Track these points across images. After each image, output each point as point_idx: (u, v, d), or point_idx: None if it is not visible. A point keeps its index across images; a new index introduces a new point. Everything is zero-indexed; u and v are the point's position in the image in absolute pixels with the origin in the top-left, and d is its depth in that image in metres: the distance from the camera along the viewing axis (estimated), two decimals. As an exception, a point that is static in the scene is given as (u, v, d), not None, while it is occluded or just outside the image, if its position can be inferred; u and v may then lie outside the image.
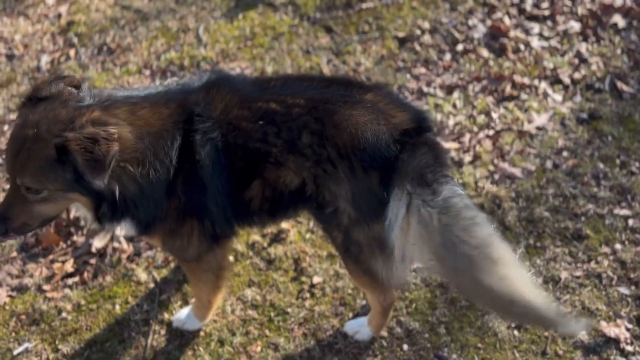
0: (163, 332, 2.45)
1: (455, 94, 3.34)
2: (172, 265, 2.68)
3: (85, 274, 2.67)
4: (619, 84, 3.29)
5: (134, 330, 2.46)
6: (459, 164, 2.98)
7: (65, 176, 1.70)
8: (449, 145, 3.07)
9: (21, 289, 2.64)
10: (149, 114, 1.84)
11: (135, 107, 1.84)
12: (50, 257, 2.78)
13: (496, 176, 2.91)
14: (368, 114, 1.79)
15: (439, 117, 3.22)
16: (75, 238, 2.84)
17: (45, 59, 3.80)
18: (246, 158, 1.87)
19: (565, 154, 3.00)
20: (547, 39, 3.63)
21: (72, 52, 3.83)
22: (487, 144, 3.06)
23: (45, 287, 2.64)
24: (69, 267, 2.71)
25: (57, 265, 2.73)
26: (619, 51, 3.50)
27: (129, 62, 3.72)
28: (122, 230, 1.96)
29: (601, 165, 2.91)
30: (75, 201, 1.83)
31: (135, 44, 3.82)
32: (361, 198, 1.79)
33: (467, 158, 2.99)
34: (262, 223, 2.11)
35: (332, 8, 3.91)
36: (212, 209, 1.92)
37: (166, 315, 2.51)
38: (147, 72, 3.65)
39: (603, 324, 2.34)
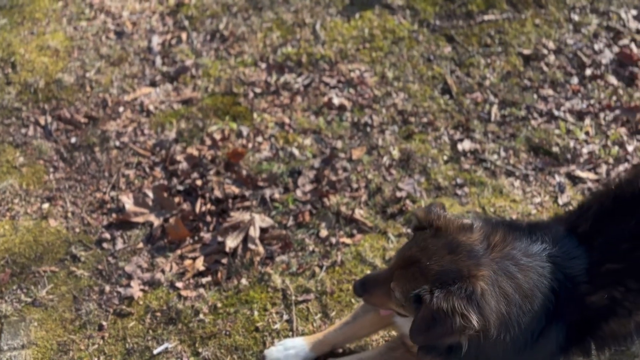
0: (306, 345, 2.37)
1: (587, 121, 3.24)
2: (307, 272, 2.60)
3: (219, 274, 2.59)
4: None
5: (275, 340, 2.38)
6: (599, 196, 2.88)
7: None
8: (586, 175, 2.98)
9: (153, 284, 2.57)
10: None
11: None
12: (178, 252, 2.70)
13: (639, 213, 2.82)
14: None
15: (571, 143, 3.12)
16: (202, 234, 2.76)
17: (156, 40, 3.70)
18: None
19: None
20: (677, 71, 3.52)
21: (183, 35, 3.73)
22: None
23: (178, 284, 2.57)
24: (200, 265, 2.63)
25: (187, 262, 2.65)
26: None
27: (243, 52, 3.62)
28: None
29: None
30: None
31: (250, 34, 3.71)
32: None
33: (607, 191, 2.89)
34: None
35: (452, 17, 3.80)
36: None
37: (307, 328, 2.43)
38: (263, 65, 3.55)
39: None
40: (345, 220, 2.79)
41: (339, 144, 3.13)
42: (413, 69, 3.50)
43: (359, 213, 2.80)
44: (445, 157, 3.04)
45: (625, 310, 1.79)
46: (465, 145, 3.08)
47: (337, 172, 3.00)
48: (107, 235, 2.75)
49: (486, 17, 3.78)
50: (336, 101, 3.32)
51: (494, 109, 3.29)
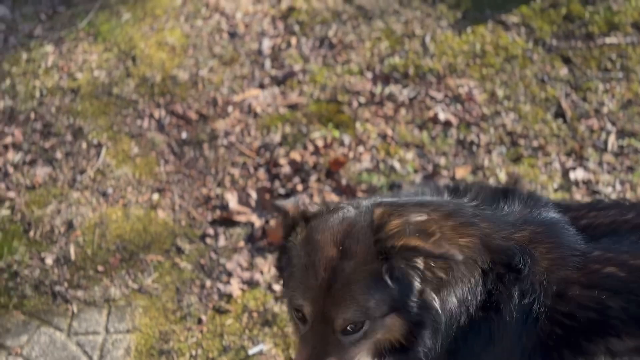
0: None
1: None
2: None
3: (314, 282, 2.62)
4: None
5: (367, 355, 2.37)
6: None
7: (392, 293, 1.39)
8: None
9: (252, 284, 2.63)
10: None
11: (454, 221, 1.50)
12: (277, 255, 2.74)
13: None
14: None
15: (696, 182, 2.91)
16: (300, 239, 2.79)
17: (266, 43, 3.79)
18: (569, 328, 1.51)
19: None
20: None
21: (293, 40, 3.79)
22: None
23: (275, 286, 2.62)
24: (297, 270, 2.66)
25: (285, 265, 2.69)
26: None
27: (350, 60, 3.64)
28: None
29: None
30: (387, 333, 1.47)
31: (358, 43, 3.72)
32: None
33: None
34: None
35: (570, 37, 3.63)
36: None
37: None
38: (369, 75, 3.55)
39: None
40: (444, 241, 2.73)
41: (442, 161, 3.08)
42: (525, 89, 3.38)
43: (460, 235, 2.74)
44: (555, 185, 2.92)
45: None
46: (578, 174, 2.94)
47: (439, 190, 2.94)
48: (211, 231, 2.84)
49: (607, 40, 3.59)
50: (442, 116, 3.27)
51: (611, 138, 3.12)
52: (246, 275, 2.65)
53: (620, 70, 3.44)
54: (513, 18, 3.75)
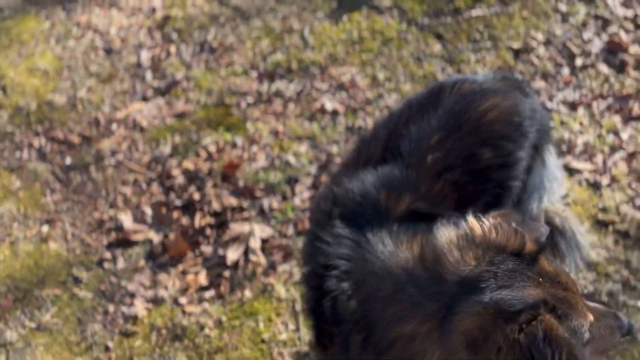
0: (312, 355, 2.37)
1: (580, 111, 3.24)
2: (311, 281, 2.60)
3: (222, 288, 2.59)
4: None
5: (282, 351, 2.38)
6: (596, 186, 2.89)
7: None
8: (582, 165, 2.98)
9: (157, 301, 2.56)
10: None
11: None
12: (180, 267, 2.69)
13: (637, 201, 2.83)
14: None
15: (566, 135, 3.12)
16: (203, 248, 2.75)
17: (145, 55, 3.69)
18: None
19: None
20: (667, 56, 3.53)
21: (172, 48, 3.72)
22: (622, 166, 2.97)
23: (182, 300, 2.56)
24: (203, 279, 2.62)
25: (189, 277, 2.64)
26: None
27: (233, 62, 3.62)
28: None
29: None
30: None
31: (239, 44, 3.71)
32: None
33: (605, 181, 2.90)
34: None
35: (439, 14, 3.80)
36: None
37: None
38: (254, 74, 3.54)
39: None
40: (345, 226, 2.78)
41: (334, 149, 3.13)
42: (404, 69, 3.50)
43: (359, 217, 2.80)
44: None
45: None
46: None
47: (334, 178, 3.00)
48: (108, 255, 2.74)
49: (474, 13, 3.78)
50: (329, 106, 3.32)
51: (487, 104, 3.29)
52: (150, 293, 2.58)
53: (488, 39, 3.64)
54: (385, 2, 3.87)
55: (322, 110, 3.31)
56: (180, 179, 3.01)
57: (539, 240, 1.30)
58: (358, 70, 3.51)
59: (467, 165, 1.70)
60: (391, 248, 1.43)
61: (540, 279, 1.23)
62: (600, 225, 2.75)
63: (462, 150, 1.69)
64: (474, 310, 1.19)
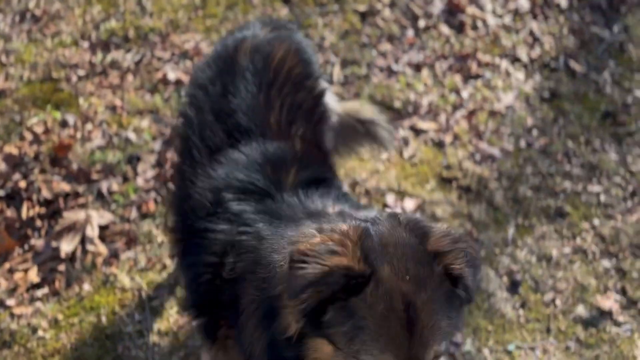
0: (163, 343, 2.22)
1: (424, 72, 3.32)
2: (158, 266, 2.42)
3: (56, 283, 2.34)
4: (572, 63, 3.45)
5: (129, 345, 2.20)
6: (441, 144, 2.98)
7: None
8: (428, 125, 3.05)
9: (-21, 307, 2.25)
10: None
11: None
12: (7, 265, 2.39)
13: (477, 156, 2.95)
14: None
15: (412, 96, 3.18)
16: (33, 241, 2.46)
17: (-48, 26, 3.20)
18: None
19: (535, 132, 3.11)
20: (500, 16, 3.70)
21: (-14, 18, 3.26)
22: (464, 124, 3.09)
23: (9, 302, 2.28)
24: (34, 276, 2.35)
25: (18, 275, 2.35)
26: (565, 31, 3.67)
27: (61, 32, 3.24)
28: None
29: (570, 144, 3.06)
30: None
31: (66, 11, 3.33)
32: None
33: (448, 139, 3.00)
34: None
35: (285, -24, 3.68)
36: None
37: (163, 325, 2.27)
38: (86, 45, 3.20)
39: (598, 297, 2.49)
40: (193, 203, 2.62)
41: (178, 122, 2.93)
42: (251, 35, 3.35)
43: (208, 193, 2.65)
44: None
45: None
46: (310, 109, 3.02)
47: (181, 153, 2.81)
48: None
49: (320, -25, 3.71)
50: (172, 76, 3.10)
51: (336, 69, 3.26)
52: (-31, 299, 2.26)
53: (335, 3, 3.59)
54: (228, -36, 3.67)
55: (165, 81, 3.08)
56: (1, 166, 2.66)
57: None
58: (202, 37, 3.31)
59: (298, 112, 1.79)
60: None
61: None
62: (445, 182, 2.84)
63: (287, 100, 1.76)
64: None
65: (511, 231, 2.68)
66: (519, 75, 3.38)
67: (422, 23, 3.56)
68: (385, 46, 3.42)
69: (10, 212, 2.53)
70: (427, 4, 3.67)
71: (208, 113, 1.73)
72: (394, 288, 1.15)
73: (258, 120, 1.71)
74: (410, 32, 3.51)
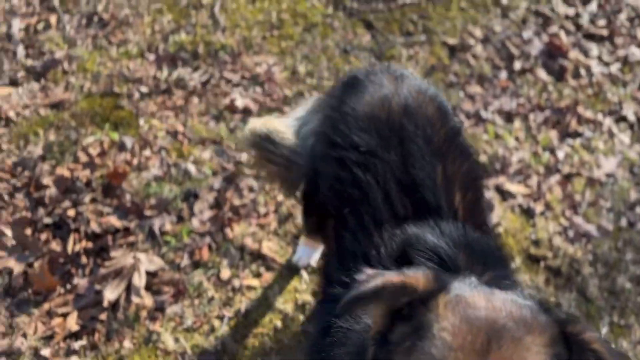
0: (204, 422, 2.00)
1: (517, 123, 2.96)
2: (206, 327, 2.20)
3: (96, 335, 2.14)
4: (686, 129, 3.04)
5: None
6: (530, 213, 2.64)
7: None
8: (516, 188, 2.71)
9: (12, 354, 2.08)
10: None
11: None
12: (46, 306, 2.20)
13: (571, 233, 2.60)
14: None
15: (500, 151, 2.84)
16: (76, 281, 2.27)
17: (17, 25, 3.03)
18: None
19: (639, 210, 2.73)
20: (607, 64, 3.30)
21: (52, 19, 3.08)
22: (557, 191, 2.73)
23: (44, 351, 2.09)
24: (73, 323, 2.16)
25: (56, 320, 2.17)
26: (680, 87, 3.24)
27: (128, 41, 3.03)
28: None
29: (679, 229, 2.68)
30: None
31: (135, 18, 3.12)
32: None
33: (539, 208, 2.65)
34: None
35: (371, -2, 3.36)
36: None
37: (206, 399, 2.05)
38: (152, 57, 2.99)
39: None
40: (251, 256, 2.38)
41: (244, 157, 2.69)
42: (328, 62, 3.07)
43: (268, 246, 2.41)
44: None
45: None
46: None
47: (242, 194, 2.56)
48: (-48, 291, 2.20)
49: (408, 0, 3.38)
50: (240, 103, 2.85)
51: (418, 110, 2.94)
52: (3, 344, 2.09)
53: (422, 32, 3.26)
54: (310, -21, 3.38)
55: (232, 108, 2.84)
56: (52, 190, 2.47)
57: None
58: (276, 61, 3.04)
59: (473, 192, 1.62)
60: None
61: None
62: (532, 260, 2.51)
63: (460, 176, 1.59)
64: None
65: (604, 330, 2.34)
66: (623, 137, 2.99)
67: (517, 65, 3.20)
68: (475, 88, 3.08)
69: (55, 244, 2.34)
70: (525, 42, 3.30)
71: (390, 182, 1.57)
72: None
73: (443, 198, 1.56)
74: (503, 74, 3.16)
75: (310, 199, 1.89)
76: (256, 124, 2.02)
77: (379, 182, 1.58)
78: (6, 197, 2.46)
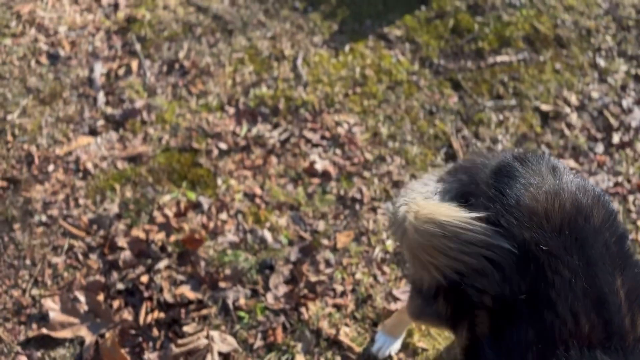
0: None
1: (614, 205, 2.74)
2: (278, 420, 2.08)
3: (165, 421, 2.05)
4: None
5: None
6: (629, 313, 2.42)
7: None
8: (614, 282, 2.49)
9: None
10: None
11: None
12: None
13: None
14: None
15: (596, 236, 2.62)
16: (147, 355, 2.19)
17: (99, 69, 3.00)
18: None
19: None
20: None
21: (134, 64, 3.04)
22: (660, 288, 2.50)
23: None
24: (142, 405, 2.08)
25: (126, 400, 2.09)
26: None
27: (208, 92, 2.96)
28: None
29: None
30: None
31: (216, 68, 3.05)
32: None
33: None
34: None
35: (458, 55, 3.20)
36: None
37: None
38: (232, 111, 2.91)
39: None
40: (327, 342, 2.25)
41: (321, 226, 2.57)
42: (412, 125, 2.92)
43: (345, 332, 2.27)
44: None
45: None
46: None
47: (319, 268, 2.44)
48: (24, 358, 2.15)
49: (499, 58, 3.19)
50: (319, 165, 2.73)
51: (507, 185, 2.76)
52: (72, 423, 2.02)
53: (513, 95, 3.07)
54: (396, 31, 3.24)
55: (311, 171, 2.72)
56: (126, 253, 2.41)
57: None
58: (357, 120, 2.91)
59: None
60: None
61: None
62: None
63: (630, 281, 1.39)
64: None
65: None
66: None
67: (616, 137, 2.97)
68: (568, 162, 2.87)
69: (127, 313, 2.27)
70: (625, 112, 3.07)
71: (576, 290, 1.37)
72: None
73: (627, 320, 1.36)
74: (599, 148, 2.94)
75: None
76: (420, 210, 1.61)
77: (565, 287, 1.38)
78: (80, 257, 2.42)
